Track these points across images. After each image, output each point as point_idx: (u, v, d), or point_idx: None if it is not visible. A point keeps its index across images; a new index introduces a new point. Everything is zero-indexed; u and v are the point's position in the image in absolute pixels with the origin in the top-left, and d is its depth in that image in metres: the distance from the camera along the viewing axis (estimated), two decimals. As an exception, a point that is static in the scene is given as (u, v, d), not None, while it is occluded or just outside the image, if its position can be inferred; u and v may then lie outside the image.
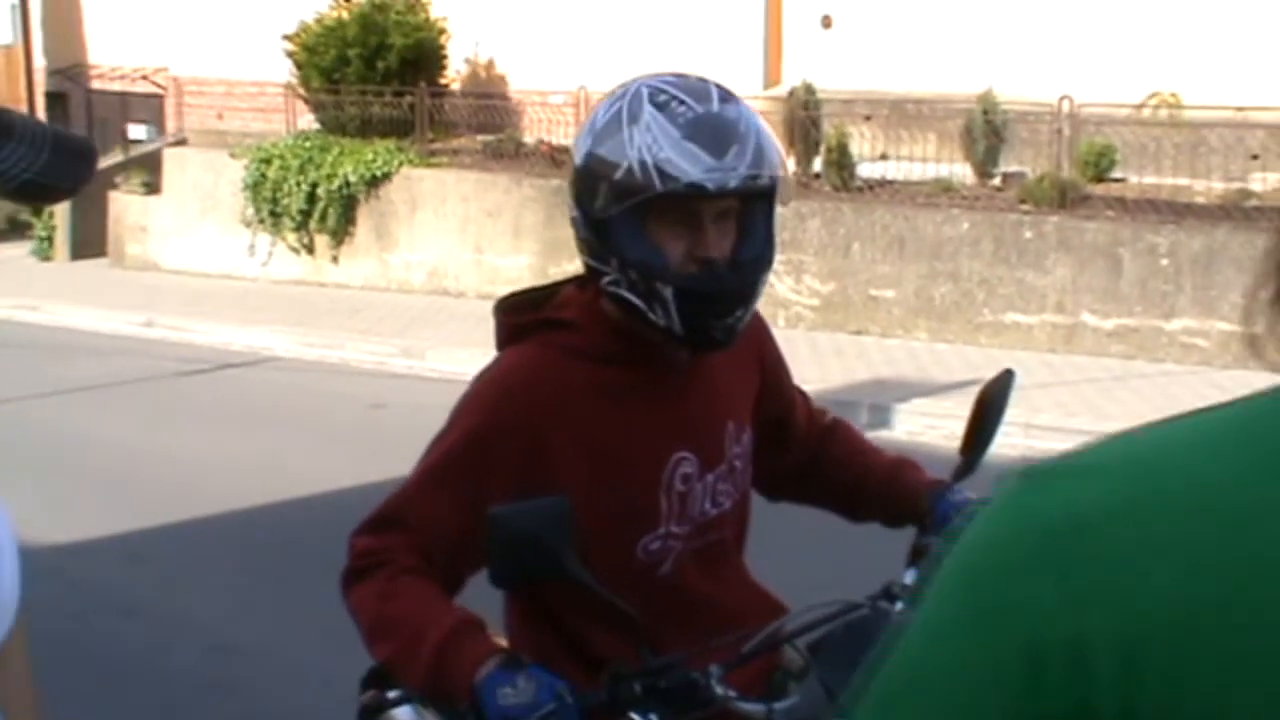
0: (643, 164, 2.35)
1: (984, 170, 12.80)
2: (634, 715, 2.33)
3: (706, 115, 2.36)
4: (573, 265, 12.46)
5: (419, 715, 2.62)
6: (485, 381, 2.56)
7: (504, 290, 12.43)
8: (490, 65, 17.63)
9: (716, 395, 2.60)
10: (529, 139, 15.51)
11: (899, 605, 2.55)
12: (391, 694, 2.63)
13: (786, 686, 2.49)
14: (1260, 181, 11.97)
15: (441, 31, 16.89)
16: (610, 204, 2.40)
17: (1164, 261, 11.35)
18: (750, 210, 2.44)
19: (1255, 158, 11.98)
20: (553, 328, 2.55)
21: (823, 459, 2.90)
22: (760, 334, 2.75)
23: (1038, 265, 11.83)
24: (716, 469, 2.59)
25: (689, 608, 2.54)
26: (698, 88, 2.42)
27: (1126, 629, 0.84)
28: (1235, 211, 11.50)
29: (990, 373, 10.29)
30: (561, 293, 2.61)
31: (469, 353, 12.19)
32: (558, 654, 2.51)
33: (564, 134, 15.17)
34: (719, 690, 2.36)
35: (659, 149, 2.34)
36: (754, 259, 2.43)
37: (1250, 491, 0.87)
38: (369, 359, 12.47)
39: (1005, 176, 12.82)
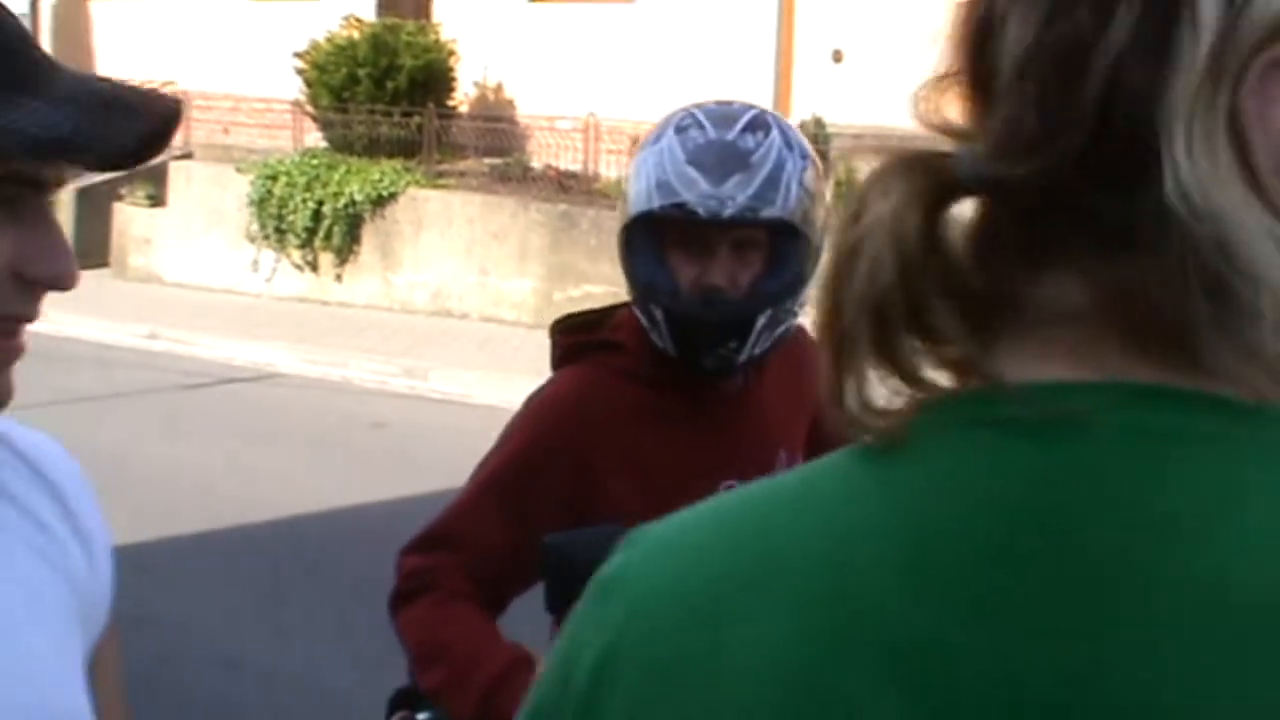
0: (647, 183, 2.36)
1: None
2: None
3: (716, 142, 2.35)
4: (578, 291, 12.53)
5: None
6: (538, 402, 2.54)
7: (508, 313, 12.48)
8: (499, 89, 17.65)
9: (769, 424, 2.58)
10: (536, 164, 15.52)
11: None
12: (421, 716, 2.59)
13: None
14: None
15: (451, 54, 16.92)
16: (623, 220, 2.43)
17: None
18: (780, 245, 2.39)
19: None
20: (606, 350, 2.53)
21: None
22: (815, 363, 2.70)
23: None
24: None
25: None
26: (727, 114, 2.41)
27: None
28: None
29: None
30: (617, 315, 2.59)
31: (473, 374, 12.20)
32: None
33: (571, 159, 15.18)
34: None
35: (663, 171, 2.35)
36: (764, 294, 2.38)
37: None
38: (372, 378, 12.42)
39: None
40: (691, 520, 0.97)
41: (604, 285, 14.00)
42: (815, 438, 2.70)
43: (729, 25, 15.99)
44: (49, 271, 1.15)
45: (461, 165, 16.08)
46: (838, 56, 15.85)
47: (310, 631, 6.68)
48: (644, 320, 2.41)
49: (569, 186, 14.82)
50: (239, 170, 17.12)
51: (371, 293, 15.86)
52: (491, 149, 16.04)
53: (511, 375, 12.19)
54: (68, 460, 1.35)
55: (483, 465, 2.51)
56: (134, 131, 1.14)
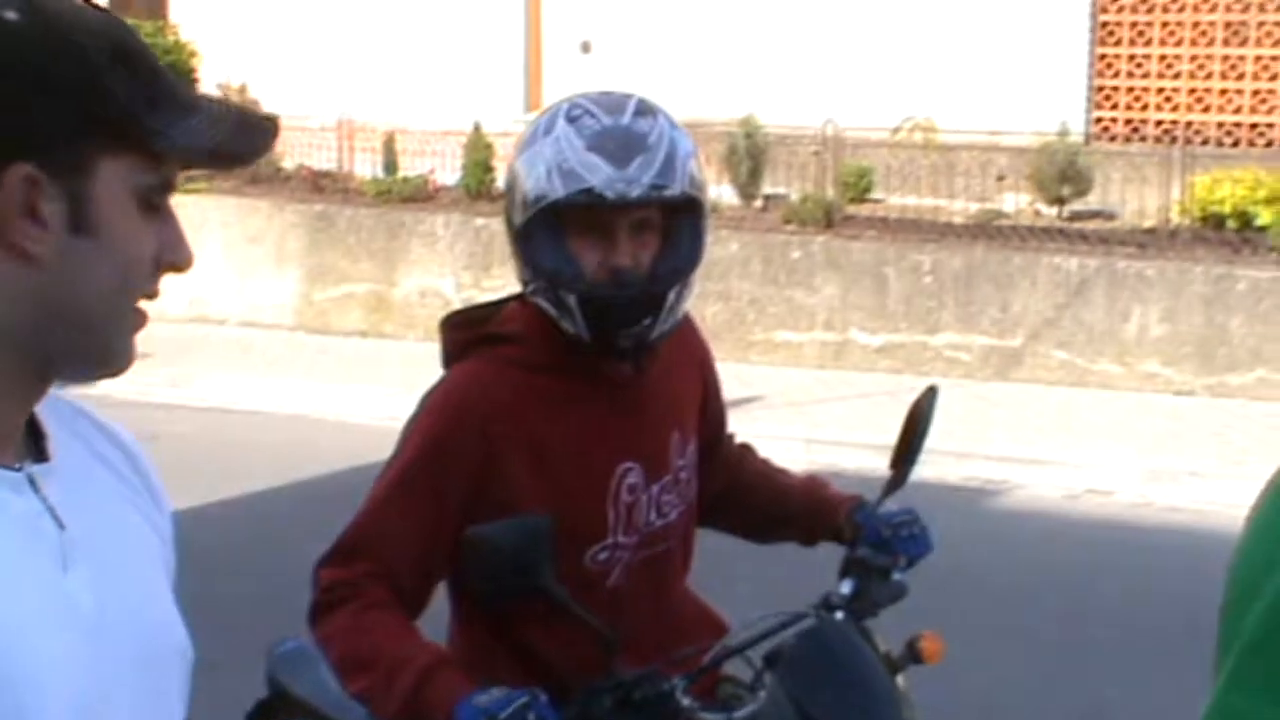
0: (549, 172, 2.41)
1: (747, 192, 13.02)
2: None
3: (614, 127, 2.42)
4: (339, 291, 12.29)
5: None
6: (434, 398, 2.56)
7: (268, 316, 12.21)
8: (244, 89, 17.29)
9: (662, 407, 2.63)
10: (289, 164, 15.27)
11: (839, 614, 2.63)
12: None
13: (739, 696, 2.53)
14: (1008, 201, 12.42)
15: (192, 55, 16.54)
16: (523, 213, 2.45)
17: (927, 279, 11.70)
18: (676, 223, 2.48)
19: (1001, 179, 12.42)
20: (497, 342, 2.57)
21: (741, 482, 2.96)
22: (702, 350, 2.82)
23: (806, 284, 12.08)
24: (662, 480, 2.62)
25: (636, 619, 2.56)
26: (614, 102, 2.48)
27: None
28: (989, 229, 11.91)
29: (765, 390, 10.49)
30: (505, 308, 2.63)
31: (237, 380, 11.98)
32: (502, 662, 2.52)
33: (325, 159, 14.98)
34: (684, 702, 2.40)
35: (563, 159, 2.40)
36: (670, 271, 2.46)
37: None
38: (133, 389, 12.08)
39: (767, 198, 13.07)
40: None
41: (365, 284, 13.87)
42: (704, 420, 2.78)
43: (477, 18, 15.96)
44: (181, 258, 1.39)
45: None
46: (586, 47, 15.94)
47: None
48: (551, 308, 2.45)
49: (324, 186, 14.63)
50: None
51: (122, 303, 15.42)
52: (240, 151, 15.74)
53: (277, 379, 12.05)
54: (128, 431, 1.55)
55: (387, 467, 2.53)
56: (262, 143, 1.41)
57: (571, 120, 2.44)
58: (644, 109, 2.47)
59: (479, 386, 2.52)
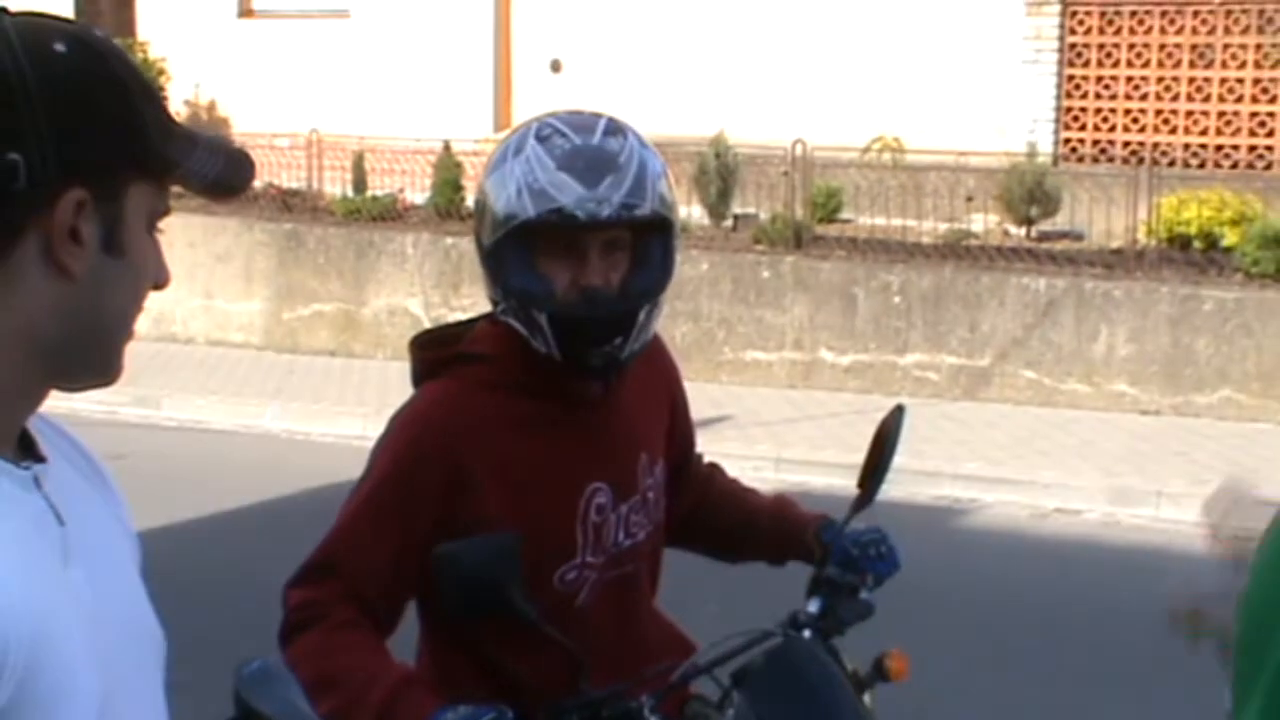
0: (519, 192, 2.40)
1: (717, 212, 13.04)
2: None
3: (584, 147, 2.42)
4: (308, 310, 12.25)
5: None
6: (403, 417, 2.56)
7: (236, 336, 12.16)
8: (212, 106, 17.30)
9: (630, 427, 2.64)
10: (257, 182, 15.23)
11: (806, 633, 2.63)
12: None
13: (706, 715, 2.53)
14: (977, 222, 12.47)
15: (161, 72, 16.49)
16: (493, 233, 2.45)
17: (896, 299, 11.73)
18: (646, 243, 2.48)
19: (970, 199, 12.48)
20: (467, 362, 2.57)
21: (709, 502, 2.96)
22: (671, 370, 2.82)
23: (776, 304, 12.11)
24: (630, 500, 2.62)
25: (604, 638, 2.56)
26: (584, 122, 2.48)
27: None
28: (958, 250, 11.96)
29: (734, 409, 10.50)
30: (475, 328, 2.63)
31: (206, 400, 11.94)
32: (470, 680, 2.52)
33: (293, 177, 14.96)
34: None
35: (534, 179, 2.40)
36: (640, 290, 2.46)
37: None
38: (99, 409, 12.02)
39: (737, 218, 13.09)
40: None
41: (334, 303, 13.84)
42: (672, 440, 2.79)
43: (447, 37, 15.97)
44: (164, 277, 1.51)
45: (177, 187, 15.67)
46: (556, 66, 15.95)
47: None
48: (522, 328, 2.45)
49: (293, 205, 14.59)
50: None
51: (90, 321, 15.36)
52: (209, 169, 15.69)
53: (246, 399, 12.01)
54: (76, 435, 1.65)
55: (357, 486, 2.53)
56: (250, 174, 1.54)
57: (541, 140, 2.44)
58: (614, 128, 2.47)
59: (448, 406, 2.51)
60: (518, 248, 2.43)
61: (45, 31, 1.41)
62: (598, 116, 2.50)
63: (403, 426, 2.53)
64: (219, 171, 1.50)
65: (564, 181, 2.38)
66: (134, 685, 1.52)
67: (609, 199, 2.38)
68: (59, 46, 1.40)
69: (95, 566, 1.49)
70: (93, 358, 1.47)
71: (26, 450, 1.48)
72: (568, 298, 2.42)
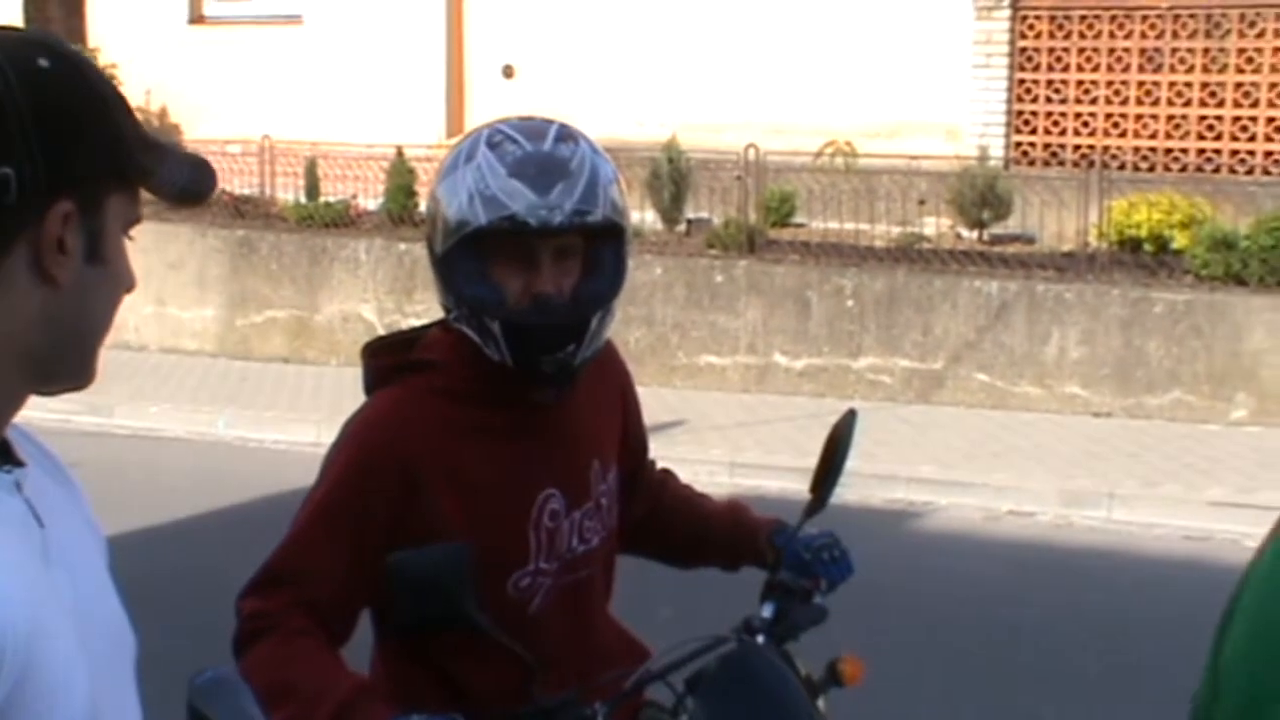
0: (470, 199, 2.40)
1: (670, 217, 13.06)
2: None
3: (535, 153, 2.41)
4: (260, 317, 12.19)
5: None
6: (355, 425, 2.55)
7: (189, 343, 12.06)
8: (163, 113, 17.20)
9: (582, 434, 2.64)
10: (209, 189, 15.15)
11: (761, 638, 2.63)
12: None
13: None
14: (929, 226, 12.53)
15: (111, 79, 16.38)
16: (445, 240, 2.45)
17: (849, 303, 11.77)
18: (598, 249, 2.48)
19: (922, 203, 12.53)
20: (419, 369, 2.56)
21: (663, 508, 2.96)
22: (623, 376, 2.82)
23: (729, 308, 12.13)
24: (584, 506, 2.62)
25: (558, 645, 2.56)
26: (535, 128, 2.47)
27: None
28: (910, 253, 12.01)
29: (688, 414, 10.51)
30: (427, 335, 2.62)
31: (159, 407, 11.88)
32: (424, 688, 2.51)
33: (245, 183, 14.90)
34: None
35: (485, 186, 2.39)
36: (593, 296, 2.46)
37: None
38: (52, 417, 11.91)
39: (690, 223, 13.12)
40: None
41: (287, 310, 13.79)
42: (625, 446, 2.79)
43: (399, 43, 15.94)
44: (132, 282, 1.55)
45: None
46: (509, 72, 15.94)
47: None
48: (475, 335, 2.44)
49: (245, 211, 14.53)
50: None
51: (41, 329, 15.25)
52: (160, 176, 15.61)
53: (199, 406, 11.95)
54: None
55: (308, 496, 2.52)
56: (214, 182, 1.57)
57: (493, 146, 2.43)
58: (565, 135, 2.46)
59: (400, 414, 2.50)
60: (469, 255, 2.42)
61: (28, 47, 1.44)
62: (549, 123, 2.49)
63: (354, 435, 2.52)
64: (187, 179, 1.54)
65: (515, 188, 2.37)
66: (114, 684, 1.55)
67: (561, 206, 2.37)
68: (43, 62, 1.43)
69: (74, 568, 1.53)
70: (73, 362, 1.51)
71: (4, 455, 1.51)
72: (520, 305, 2.42)
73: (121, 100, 1.51)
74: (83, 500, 1.67)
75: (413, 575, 2.28)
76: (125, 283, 1.54)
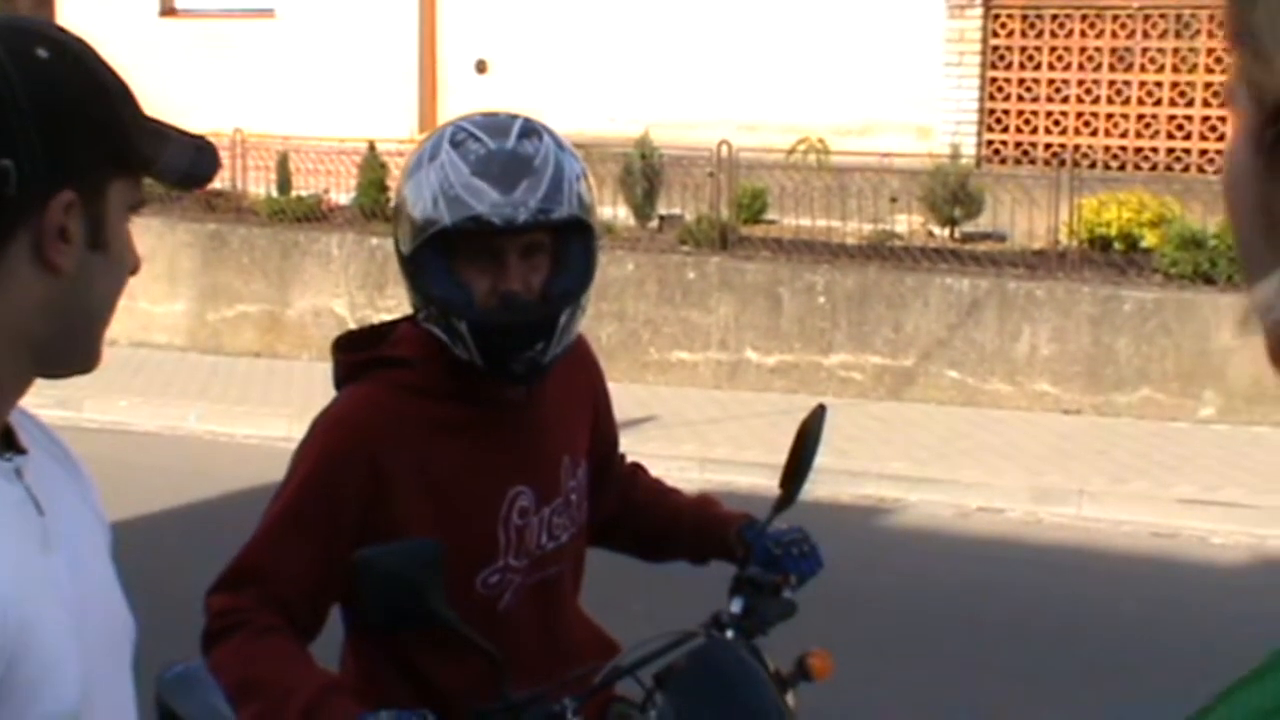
0: (434, 199, 2.39)
1: (643, 213, 13.07)
2: None
3: (498, 151, 2.40)
4: (232, 311, 12.16)
5: None
6: (324, 421, 2.54)
7: (159, 337, 12.02)
8: (135, 106, 17.12)
9: (552, 429, 2.63)
10: (180, 182, 15.10)
11: (729, 633, 2.63)
12: None
13: (629, 717, 2.53)
14: (901, 223, 12.56)
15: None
16: (411, 240, 2.44)
17: (820, 299, 11.80)
18: (565, 245, 2.46)
19: (894, 200, 12.56)
20: (388, 365, 2.55)
21: (632, 502, 2.96)
22: (594, 371, 2.82)
23: (701, 305, 12.14)
24: (553, 503, 2.62)
25: (527, 641, 2.57)
26: (498, 124, 2.46)
27: None
28: (882, 250, 12.04)
29: (659, 409, 10.51)
30: (397, 330, 2.62)
31: (128, 401, 11.83)
32: (393, 684, 2.51)
33: (217, 177, 14.81)
34: None
35: (449, 185, 2.38)
36: (561, 293, 2.44)
37: None
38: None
39: (663, 219, 13.12)
40: None
41: (258, 304, 13.76)
42: (595, 441, 2.79)
43: (372, 37, 15.90)
44: (136, 263, 1.57)
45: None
46: (482, 67, 15.92)
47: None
48: (443, 335, 2.43)
49: (217, 205, 14.48)
50: None
51: (10, 322, 15.19)
52: (131, 169, 15.56)
53: (169, 400, 11.91)
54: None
55: (276, 493, 2.51)
56: (215, 166, 1.59)
57: (456, 145, 2.42)
58: (529, 130, 2.45)
59: (368, 411, 2.50)
60: (436, 255, 2.42)
61: (27, 37, 1.46)
62: (514, 118, 2.48)
63: (323, 430, 2.51)
64: (190, 164, 1.55)
65: (479, 187, 2.36)
66: (109, 669, 1.57)
67: (525, 203, 2.36)
68: (41, 52, 1.44)
69: (73, 554, 1.54)
70: (78, 349, 1.52)
71: (7, 442, 1.52)
72: (487, 304, 2.41)
73: (123, 88, 1.51)
74: (89, 486, 1.68)
75: (379, 572, 2.27)
76: (128, 266, 1.55)
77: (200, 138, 1.58)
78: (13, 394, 1.50)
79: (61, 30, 1.51)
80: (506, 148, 2.40)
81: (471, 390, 2.52)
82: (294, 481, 2.49)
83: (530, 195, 2.37)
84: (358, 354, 2.61)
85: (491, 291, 2.41)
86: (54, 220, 1.44)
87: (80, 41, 1.51)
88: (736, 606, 2.69)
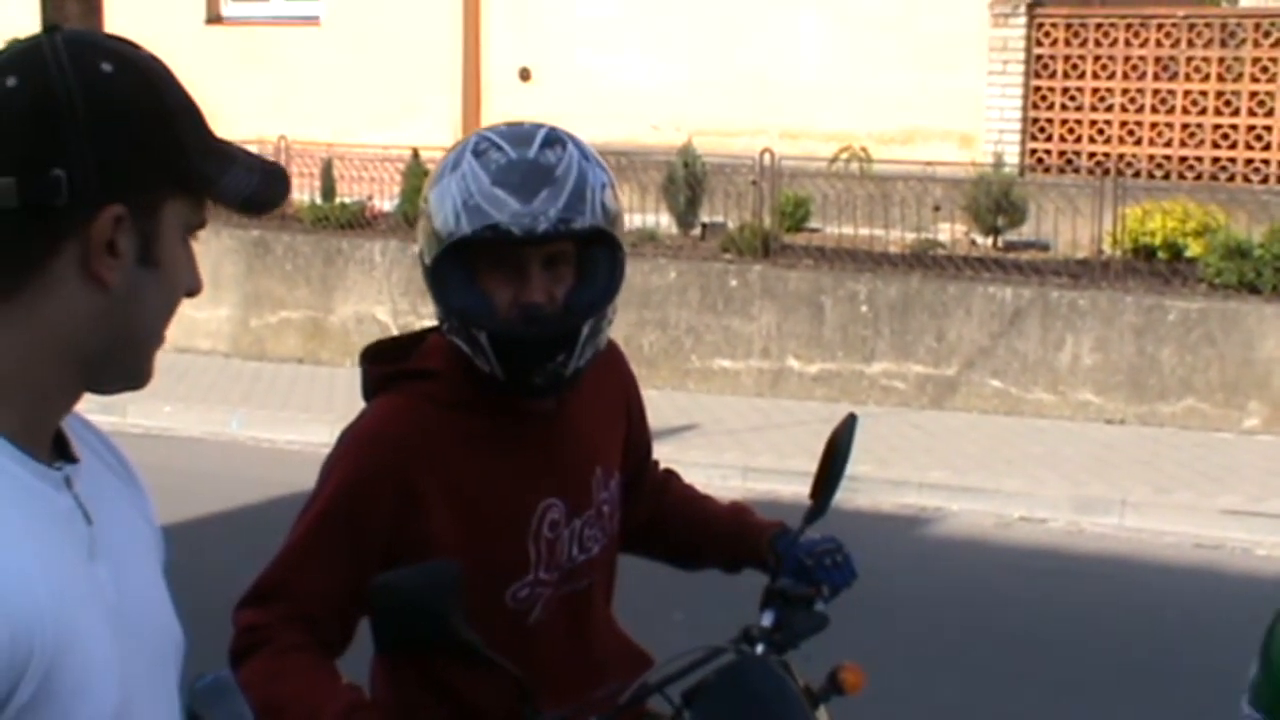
0: (455, 210, 2.37)
1: (685, 221, 13.07)
2: None
3: (519, 161, 2.37)
4: (275, 318, 12.20)
5: None
6: (353, 434, 2.52)
7: (203, 343, 12.06)
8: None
9: (583, 441, 2.60)
10: (225, 189, 15.18)
11: (760, 648, 2.60)
12: None
13: None
14: (944, 232, 12.52)
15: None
16: (433, 250, 2.43)
17: (863, 308, 11.77)
18: (590, 256, 2.43)
19: (937, 209, 12.53)
20: (417, 378, 2.52)
21: (666, 509, 2.93)
22: (628, 381, 2.78)
23: (743, 312, 12.13)
24: (584, 514, 2.59)
25: (557, 655, 2.54)
26: (522, 134, 2.44)
27: None
28: (925, 259, 12.01)
29: (702, 417, 10.48)
30: (426, 341, 2.59)
31: (172, 406, 11.90)
32: (423, 700, 2.49)
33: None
34: None
35: (469, 195, 2.36)
36: (584, 304, 2.41)
37: None
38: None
39: (705, 227, 13.12)
40: None
41: (302, 311, 13.82)
42: (628, 450, 2.76)
43: (416, 45, 15.95)
44: (198, 285, 1.55)
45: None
46: (525, 75, 15.96)
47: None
48: (465, 346, 2.41)
49: (261, 212, 14.54)
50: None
51: (57, 328, 15.29)
52: (177, 175, 15.65)
53: (212, 406, 11.97)
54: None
55: (307, 505, 2.49)
56: (284, 191, 1.56)
57: (478, 155, 2.39)
58: (553, 140, 2.42)
59: (397, 424, 2.47)
60: (457, 265, 2.40)
61: (94, 50, 1.45)
62: (538, 128, 2.45)
63: (352, 443, 2.50)
64: (254, 188, 1.53)
65: (499, 197, 2.34)
66: (151, 683, 1.55)
67: (545, 213, 2.33)
68: (106, 66, 1.44)
69: (120, 564, 1.53)
70: (125, 365, 1.51)
71: (60, 451, 1.52)
72: (508, 316, 2.38)
73: (189, 106, 1.50)
74: (143, 495, 1.68)
75: (394, 601, 2.24)
76: (184, 286, 1.53)
77: (271, 163, 1.57)
78: (61, 403, 1.50)
79: (132, 46, 1.50)
80: (528, 157, 2.38)
81: (500, 402, 2.49)
82: (322, 496, 2.47)
83: (551, 205, 2.34)
84: (386, 365, 2.59)
85: (513, 303, 2.38)
86: (102, 233, 1.43)
87: (151, 59, 1.49)
88: (767, 620, 2.65)
